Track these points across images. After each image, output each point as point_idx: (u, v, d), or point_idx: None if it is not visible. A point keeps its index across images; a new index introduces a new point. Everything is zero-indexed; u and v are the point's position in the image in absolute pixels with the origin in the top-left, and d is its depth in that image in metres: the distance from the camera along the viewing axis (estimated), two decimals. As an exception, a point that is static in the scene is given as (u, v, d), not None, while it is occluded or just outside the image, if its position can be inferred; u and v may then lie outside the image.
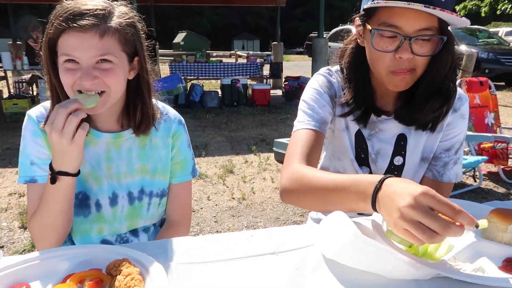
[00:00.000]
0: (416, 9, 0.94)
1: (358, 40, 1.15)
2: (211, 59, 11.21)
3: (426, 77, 1.09)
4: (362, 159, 1.26)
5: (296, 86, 9.05)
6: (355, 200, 0.84)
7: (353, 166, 1.26)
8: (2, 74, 8.46)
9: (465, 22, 0.98)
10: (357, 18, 1.12)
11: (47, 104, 1.10)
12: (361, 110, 1.17)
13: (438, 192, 1.20)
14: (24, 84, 8.93)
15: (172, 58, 13.09)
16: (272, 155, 4.93)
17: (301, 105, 1.23)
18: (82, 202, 1.13)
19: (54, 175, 0.94)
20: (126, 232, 1.19)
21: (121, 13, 0.99)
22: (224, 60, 12.12)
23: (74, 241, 1.16)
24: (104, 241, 1.16)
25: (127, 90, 1.09)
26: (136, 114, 1.09)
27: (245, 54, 14.39)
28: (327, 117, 1.20)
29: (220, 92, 8.79)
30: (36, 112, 1.09)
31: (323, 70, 1.27)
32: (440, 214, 0.68)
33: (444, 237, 0.67)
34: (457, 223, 0.67)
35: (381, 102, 1.20)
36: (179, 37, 23.07)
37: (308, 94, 1.23)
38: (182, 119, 1.25)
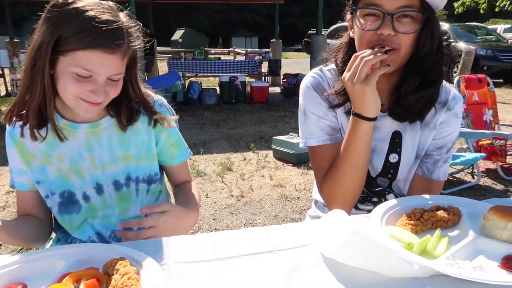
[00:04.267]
0: None
1: (350, 34, 1.17)
2: (210, 56, 11.18)
3: (409, 60, 1.10)
4: None
5: (294, 84, 9.03)
6: (355, 124, 1.09)
7: None
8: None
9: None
10: (347, 10, 1.15)
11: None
12: None
13: (428, 189, 1.21)
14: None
15: (171, 55, 13.05)
16: (270, 152, 4.92)
17: (305, 116, 1.24)
18: (69, 200, 1.14)
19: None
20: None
21: (136, 34, 1.03)
22: (222, 57, 12.10)
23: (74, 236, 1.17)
24: (98, 235, 1.17)
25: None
26: (121, 111, 1.11)
27: (244, 51, 14.35)
28: (334, 123, 1.23)
29: (218, 90, 8.78)
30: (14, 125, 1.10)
31: (313, 71, 1.28)
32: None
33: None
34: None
35: None
36: (177, 34, 23.01)
37: (307, 105, 1.24)
38: (164, 100, 1.24)
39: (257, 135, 5.94)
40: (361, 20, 1.08)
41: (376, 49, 1.04)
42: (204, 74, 9.65)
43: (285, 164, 4.55)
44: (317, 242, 0.84)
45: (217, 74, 9.41)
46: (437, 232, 0.86)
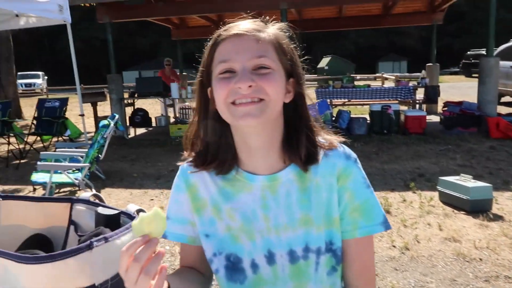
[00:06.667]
0: None
1: None
2: (356, 83, 10.79)
3: None
4: None
5: (457, 112, 7.97)
6: None
7: None
8: (171, 102, 9.61)
9: None
10: None
11: None
12: None
13: None
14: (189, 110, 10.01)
15: (317, 83, 13.11)
16: (436, 194, 4.26)
17: None
18: (235, 266, 0.95)
19: None
20: None
21: (277, 26, 0.93)
22: (369, 83, 11.56)
23: None
24: None
25: (285, 119, 0.93)
26: (301, 143, 0.91)
27: (393, 77, 13.50)
28: None
29: (368, 119, 8.31)
30: (186, 165, 1.00)
31: None
32: None
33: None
34: None
35: None
36: (324, 62, 23.19)
37: None
38: (353, 153, 0.97)
39: (415, 172, 5.29)
40: None
41: None
42: (353, 102, 9.30)
43: (456, 212, 3.85)
44: None
45: (366, 102, 8.97)
46: None
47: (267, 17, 0.94)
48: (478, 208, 3.77)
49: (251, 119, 0.84)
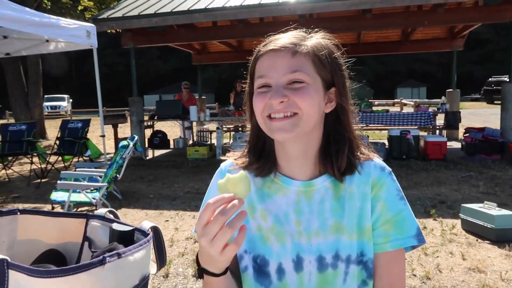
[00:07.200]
0: None
1: None
2: (374, 108, 10.71)
3: None
4: None
5: (479, 139, 7.79)
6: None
7: None
8: (189, 124, 9.74)
9: None
10: None
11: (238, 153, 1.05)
12: None
13: None
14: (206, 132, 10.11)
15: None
16: (458, 222, 4.12)
17: None
18: (261, 269, 0.94)
19: (201, 270, 0.85)
20: None
21: (316, 37, 0.93)
22: (387, 108, 11.46)
23: None
24: None
25: (325, 128, 0.94)
26: (340, 153, 0.91)
27: (412, 103, 13.40)
28: None
29: (386, 144, 8.20)
30: (226, 163, 1.05)
31: None
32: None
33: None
34: None
35: None
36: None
37: None
38: (387, 166, 0.97)
39: (436, 199, 5.14)
40: None
41: None
42: (371, 127, 9.22)
43: (480, 241, 3.70)
44: None
45: (385, 127, 8.87)
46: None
47: (308, 29, 0.95)
48: (504, 238, 3.61)
49: (284, 134, 0.87)
